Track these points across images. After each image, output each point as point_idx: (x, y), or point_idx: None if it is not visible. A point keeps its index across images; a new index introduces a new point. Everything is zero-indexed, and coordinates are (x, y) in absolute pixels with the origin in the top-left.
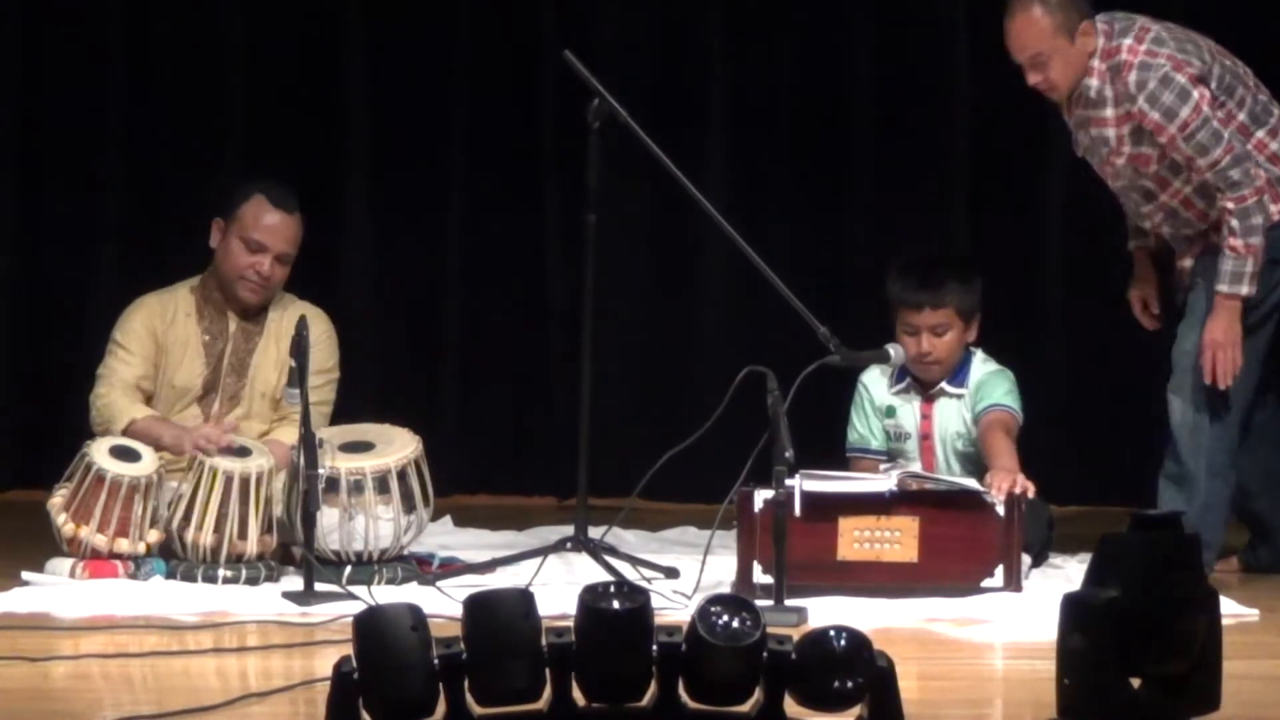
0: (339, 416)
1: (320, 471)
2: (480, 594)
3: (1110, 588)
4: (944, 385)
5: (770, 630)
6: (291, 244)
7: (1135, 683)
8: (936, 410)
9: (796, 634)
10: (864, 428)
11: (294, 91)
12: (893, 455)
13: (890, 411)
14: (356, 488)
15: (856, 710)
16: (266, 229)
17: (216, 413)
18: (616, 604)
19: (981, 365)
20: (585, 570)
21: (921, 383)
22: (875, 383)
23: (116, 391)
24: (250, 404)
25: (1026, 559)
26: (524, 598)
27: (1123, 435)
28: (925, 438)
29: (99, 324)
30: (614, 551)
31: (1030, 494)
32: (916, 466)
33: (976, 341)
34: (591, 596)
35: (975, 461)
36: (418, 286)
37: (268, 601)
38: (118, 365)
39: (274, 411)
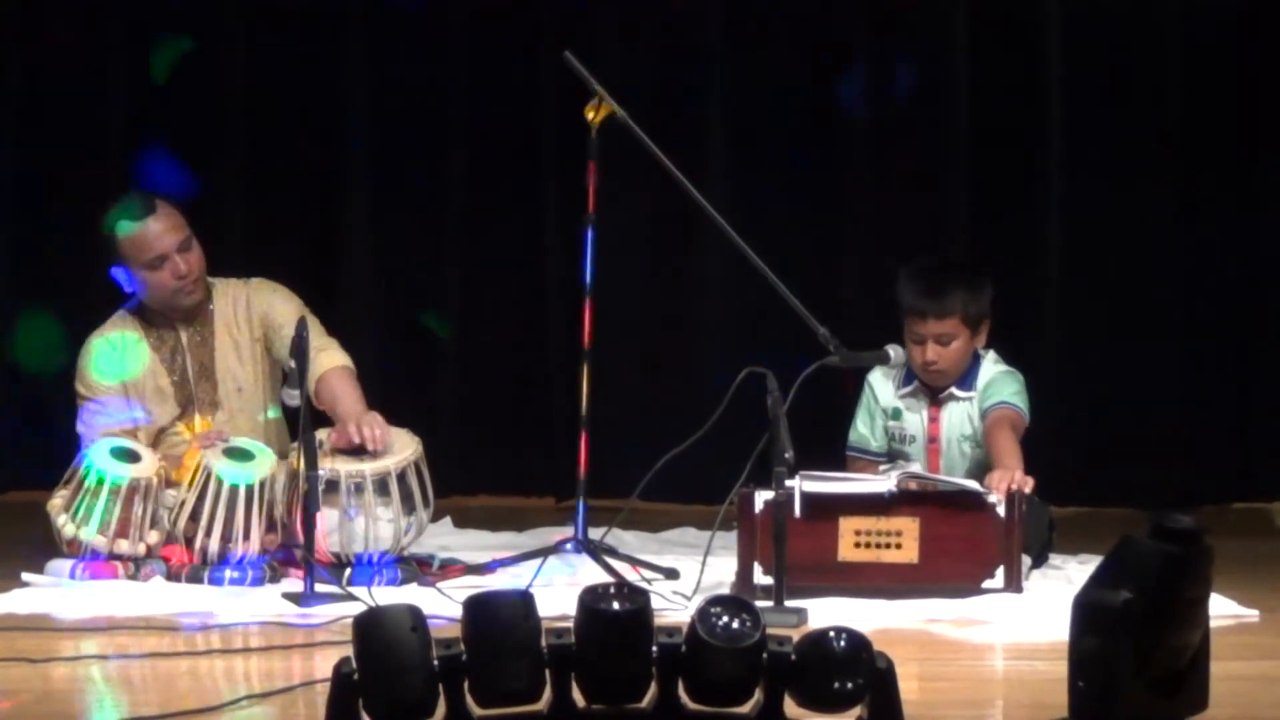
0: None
1: (320, 473)
2: (480, 595)
3: (1122, 590)
4: (953, 390)
5: (770, 631)
6: (179, 229)
7: None
8: (945, 414)
9: (796, 635)
10: (866, 428)
11: (294, 92)
12: (894, 457)
13: (896, 414)
14: (356, 490)
15: (856, 710)
16: (151, 241)
17: (201, 424)
18: (616, 606)
19: (992, 366)
20: (585, 571)
21: (930, 387)
22: (881, 384)
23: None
24: (229, 403)
25: (1026, 560)
26: (524, 599)
27: (1123, 435)
28: (932, 440)
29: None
30: (614, 552)
31: (1028, 489)
32: (917, 467)
33: (986, 344)
34: (591, 598)
35: (981, 464)
36: (418, 287)
37: (268, 602)
38: (94, 420)
39: (257, 405)
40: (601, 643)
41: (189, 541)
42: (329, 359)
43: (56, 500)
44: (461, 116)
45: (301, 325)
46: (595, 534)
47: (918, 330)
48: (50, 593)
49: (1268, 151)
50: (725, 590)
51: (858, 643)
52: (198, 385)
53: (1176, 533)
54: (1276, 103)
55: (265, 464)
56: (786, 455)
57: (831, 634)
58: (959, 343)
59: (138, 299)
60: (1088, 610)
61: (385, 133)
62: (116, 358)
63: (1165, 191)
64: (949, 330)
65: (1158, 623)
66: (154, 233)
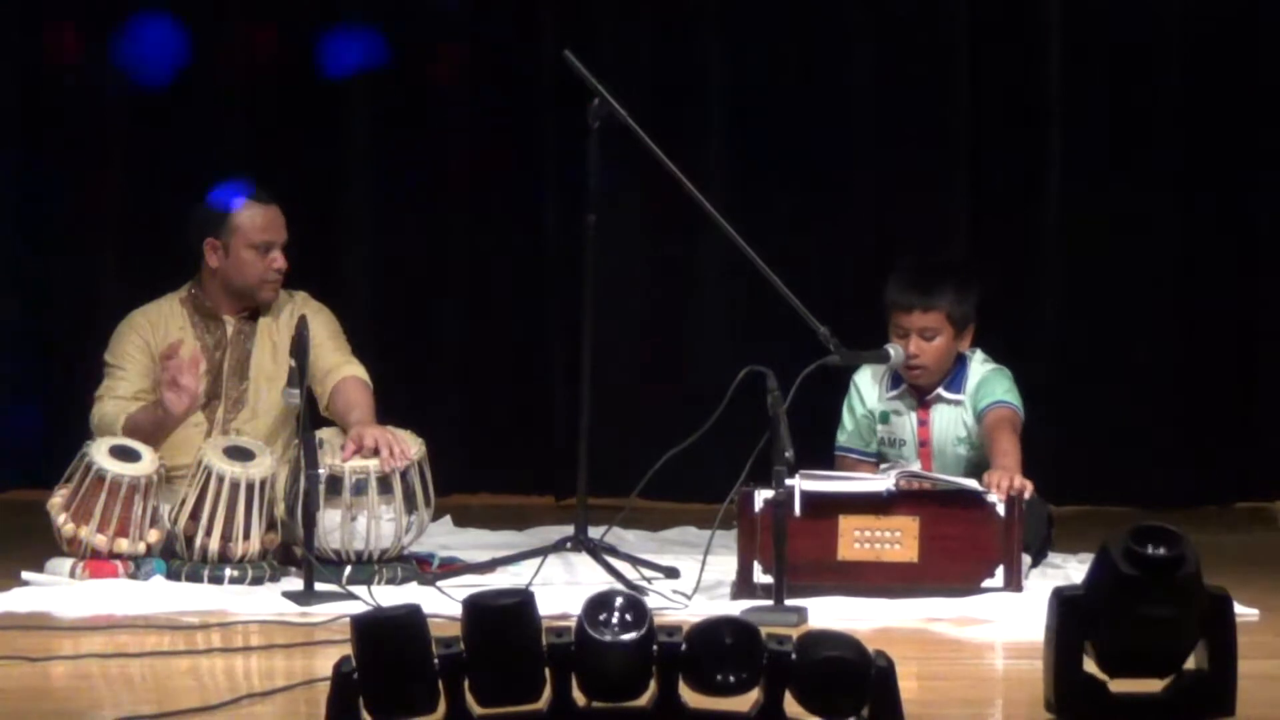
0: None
1: (322, 471)
2: (480, 594)
3: (1084, 590)
4: (940, 391)
5: (770, 631)
6: (286, 230)
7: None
8: (934, 416)
9: (796, 634)
10: (855, 430)
11: (294, 91)
12: (885, 460)
13: (884, 418)
14: (360, 488)
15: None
16: (268, 228)
17: (221, 419)
18: (618, 630)
19: (980, 366)
20: (585, 570)
21: (916, 389)
22: (868, 386)
23: (110, 404)
24: (256, 403)
25: (1026, 559)
26: (524, 598)
27: (1123, 435)
28: (923, 444)
29: (101, 324)
30: (614, 551)
31: (1028, 493)
32: (917, 466)
33: (973, 344)
34: (592, 622)
35: (977, 466)
36: (418, 286)
37: (268, 601)
38: (113, 384)
39: (281, 406)
40: (600, 653)
41: (189, 540)
42: (350, 369)
43: (56, 499)
44: (462, 115)
45: (302, 324)
46: (595, 533)
47: (902, 324)
48: (50, 592)
49: (1269, 150)
50: (725, 589)
51: (856, 653)
52: (229, 380)
53: (1143, 559)
54: (1278, 101)
55: (265, 463)
56: (786, 454)
57: (835, 653)
58: (942, 340)
59: (192, 289)
60: (1054, 601)
61: (385, 131)
62: (152, 330)
63: (1165, 190)
64: (933, 324)
65: (1111, 630)
66: (273, 220)
